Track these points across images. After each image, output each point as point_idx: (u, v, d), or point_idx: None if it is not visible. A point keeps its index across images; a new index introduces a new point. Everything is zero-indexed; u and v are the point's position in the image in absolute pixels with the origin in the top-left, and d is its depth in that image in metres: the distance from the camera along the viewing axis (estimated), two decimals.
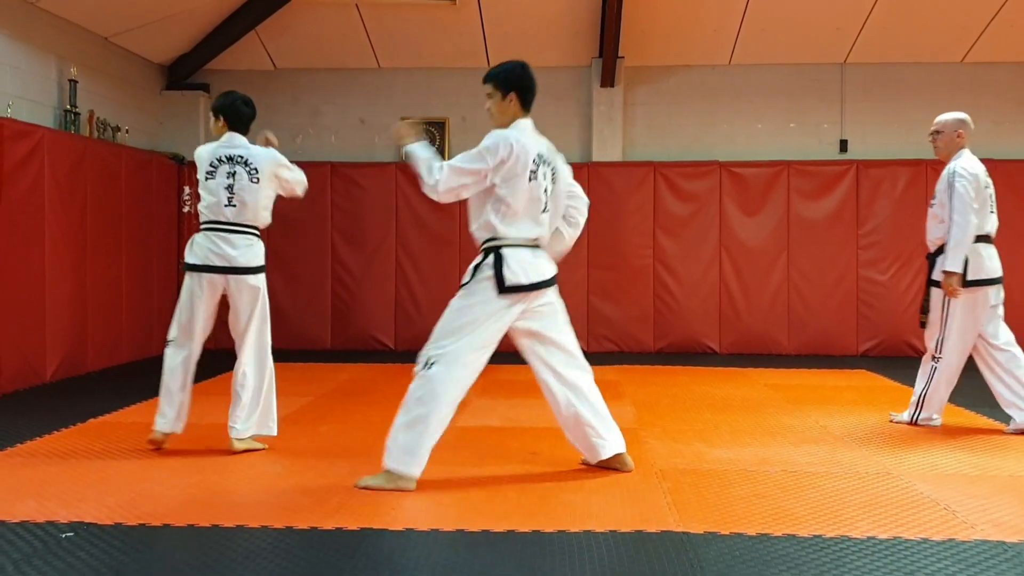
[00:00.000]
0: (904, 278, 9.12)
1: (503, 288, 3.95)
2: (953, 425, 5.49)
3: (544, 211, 4.10)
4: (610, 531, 3.34)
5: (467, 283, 4.03)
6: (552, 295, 4.20)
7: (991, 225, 5.37)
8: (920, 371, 5.43)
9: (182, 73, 9.57)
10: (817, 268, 9.21)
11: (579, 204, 4.43)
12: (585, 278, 9.35)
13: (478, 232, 4.10)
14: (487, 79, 4.15)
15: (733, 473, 4.25)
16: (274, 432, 4.73)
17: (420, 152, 4.04)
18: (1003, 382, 5.24)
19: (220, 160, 4.53)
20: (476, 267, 4.03)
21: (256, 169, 4.55)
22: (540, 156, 4.08)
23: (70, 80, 7.64)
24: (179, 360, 4.63)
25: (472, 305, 4.00)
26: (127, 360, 8.11)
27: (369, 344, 9.43)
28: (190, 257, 4.56)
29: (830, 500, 3.78)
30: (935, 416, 5.40)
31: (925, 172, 9.10)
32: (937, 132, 5.56)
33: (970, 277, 5.14)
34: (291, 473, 4.24)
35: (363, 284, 9.48)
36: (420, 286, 9.40)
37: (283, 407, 5.07)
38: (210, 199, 4.53)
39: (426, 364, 3.98)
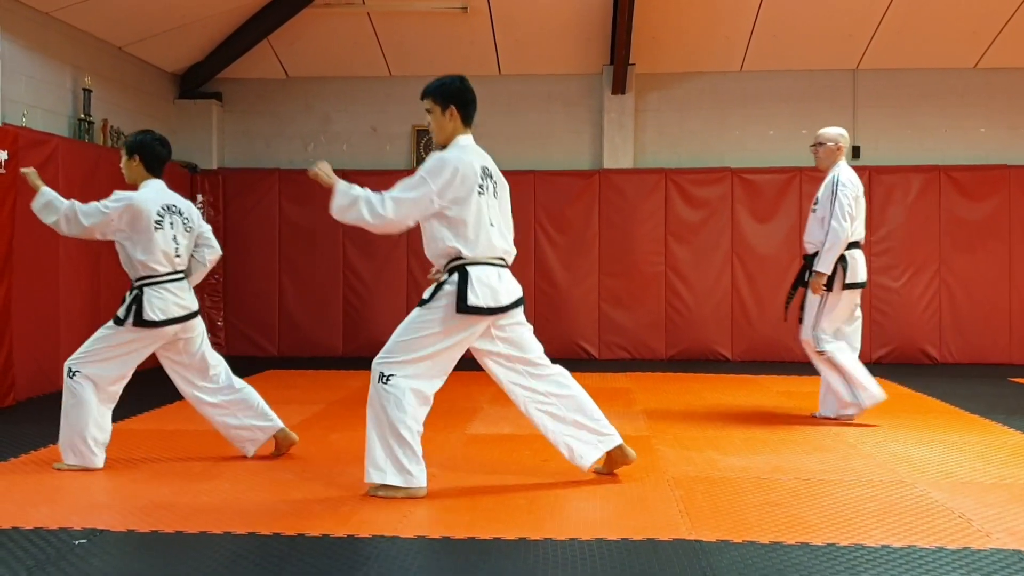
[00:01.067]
0: (918, 285, 9.08)
1: (463, 308, 3.86)
2: (967, 433, 5.46)
3: (491, 224, 3.98)
4: (622, 539, 3.33)
5: (427, 300, 3.94)
6: (519, 315, 4.10)
7: (862, 233, 5.74)
8: (822, 371, 5.78)
9: (195, 82, 9.63)
10: None
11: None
12: (596, 285, 9.34)
13: (438, 258, 3.99)
14: (424, 95, 4.06)
15: (746, 481, 4.23)
16: None
17: (352, 191, 3.91)
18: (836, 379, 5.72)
19: (165, 210, 4.50)
20: (439, 285, 3.94)
21: (188, 219, 4.62)
22: (484, 169, 4.01)
23: (84, 89, 7.69)
24: (105, 402, 4.50)
25: (430, 322, 3.92)
26: (140, 368, 8.11)
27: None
28: (154, 314, 4.42)
29: (844, 508, 3.76)
30: (874, 390, 5.63)
31: (939, 178, 9.07)
32: (819, 144, 5.85)
33: (848, 280, 5.59)
34: (303, 480, 4.25)
35: (375, 291, 9.50)
36: None
37: (294, 415, 5.08)
38: (161, 250, 4.46)
39: (381, 378, 3.90)
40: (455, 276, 3.91)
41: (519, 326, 4.11)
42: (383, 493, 3.91)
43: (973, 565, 3.07)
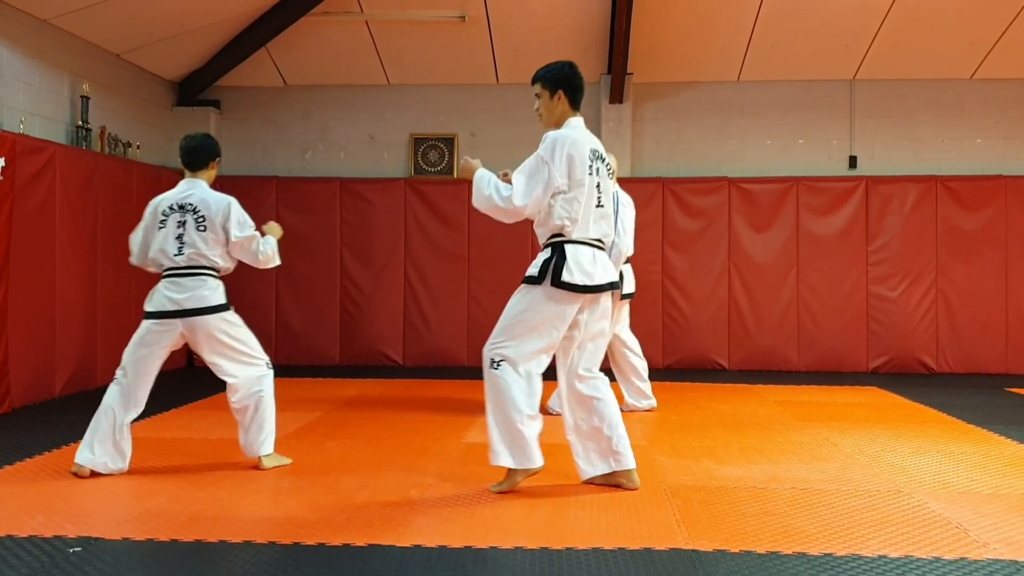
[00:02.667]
0: (914, 294, 9.09)
1: (558, 284, 3.98)
2: (965, 443, 5.46)
3: (599, 205, 4.13)
4: (619, 548, 3.32)
5: (529, 278, 4.07)
6: (607, 300, 4.18)
7: (632, 249, 6.38)
8: (617, 369, 6.55)
9: (193, 90, 9.64)
10: (827, 284, 9.18)
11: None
12: None
13: (542, 230, 4.13)
14: (535, 80, 4.25)
15: (743, 490, 4.23)
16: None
17: (489, 181, 4.12)
18: (623, 374, 6.61)
19: (172, 209, 4.56)
20: (542, 263, 4.05)
21: (203, 217, 4.57)
22: (594, 152, 4.16)
23: (82, 96, 7.70)
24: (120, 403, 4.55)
25: (528, 301, 4.05)
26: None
27: (378, 360, 9.43)
28: (147, 304, 4.56)
29: (841, 518, 3.76)
30: (650, 393, 6.66)
31: (935, 188, 9.09)
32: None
33: (626, 291, 6.23)
34: (299, 489, 4.24)
35: (372, 300, 9.49)
36: (429, 302, 9.41)
37: (291, 422, 5.07)
38: (160, 247, 4.55)
39: (491, 364, 4.05)
40: (552, 254, 4.03)
41: (602, 318, 4.16)
42: (506, 487, 4.08)
43: (970, 575, 3.06)
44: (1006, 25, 8.68)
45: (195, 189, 4.63)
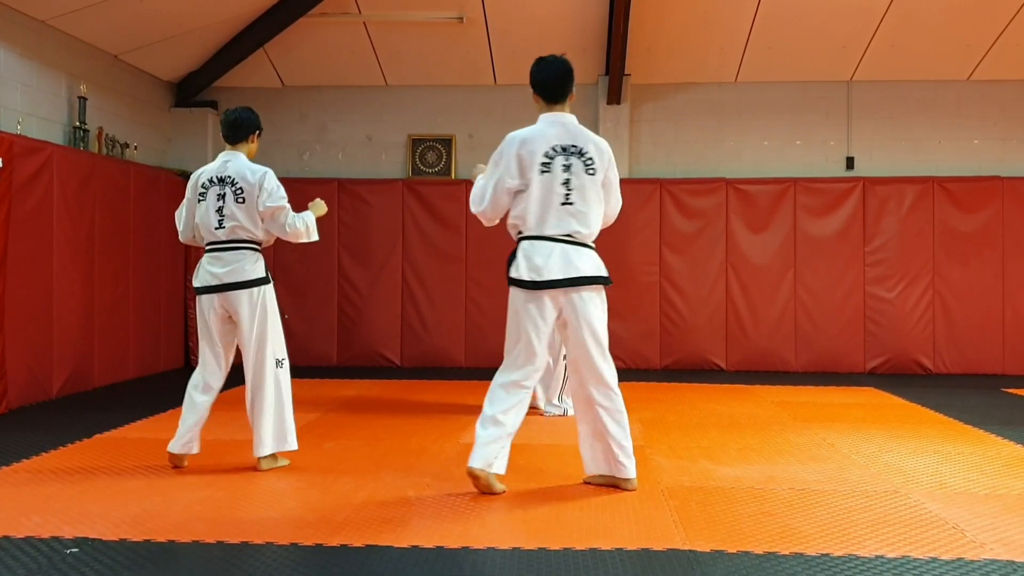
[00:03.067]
0: (912, 296, 9.10)
1: (508, 281, 4.03)
2: (961, 443, 5.46)
3: (566, 203, 3.99)
4: (616, 549, 3.32)
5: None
6: (587, 296, 4.03)
7: None
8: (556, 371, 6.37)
9: (191, 90, 9.63)
10: (824, 285, 9.19)
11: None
12: None
13: (509, 229, 4.16)
14: None
15: (740, 491, 4.23)
16: (293, 446, 4.66)
17: (475, 186, 4.20)
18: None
19: (211, 182, 4.57)
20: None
21: (241, 190, 4.55)
22: (563, 148, 4.02)
23: (79, 97, 7.69)
24: (193, 383, 4.66)
25: (509, 307, 4.11)
26: (134, 376, 8.11)
27: (375, 361, 9.43)
28: (194, 280, 4.69)
29: (838, 518, 3.76)
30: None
31: (932, 189, 9.10)
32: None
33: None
34: (297, 489, 4.23)
35: (369, 301, 9.49)
36: (426, 303, 9.41)
37: None
38: (201, 221, 4.61)
39: None
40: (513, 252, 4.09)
41: (590, 315, 4.03)
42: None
43: (967, 575, 3.07)
44: (1003, 26, 8.69)
45: (233, 161, 4.61)
